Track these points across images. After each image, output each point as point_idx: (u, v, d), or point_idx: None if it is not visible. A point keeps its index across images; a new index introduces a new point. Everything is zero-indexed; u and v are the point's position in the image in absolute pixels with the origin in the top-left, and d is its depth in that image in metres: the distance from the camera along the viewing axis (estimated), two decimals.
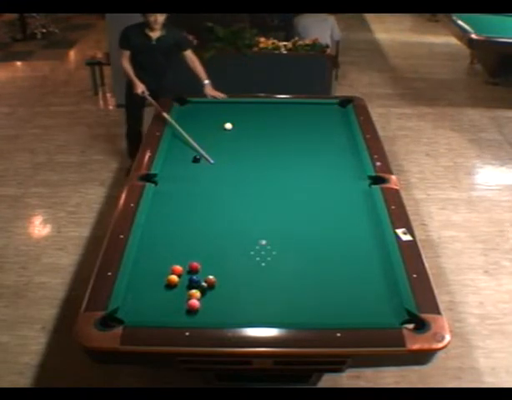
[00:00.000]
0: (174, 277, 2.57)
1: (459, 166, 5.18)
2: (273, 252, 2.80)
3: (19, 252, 4.00)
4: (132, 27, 4.33)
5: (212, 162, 3.59)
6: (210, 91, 4.44)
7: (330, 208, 3.19)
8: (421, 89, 6.85)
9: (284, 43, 5.90)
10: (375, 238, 2.90)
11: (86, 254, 3.94)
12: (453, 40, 7.46)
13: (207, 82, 4.43)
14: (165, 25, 4.26)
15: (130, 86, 4.43)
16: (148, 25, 4.24)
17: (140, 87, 4.33)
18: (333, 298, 2.52)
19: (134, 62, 4.39)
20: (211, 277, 2.56)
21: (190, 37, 4.83)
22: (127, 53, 4.34)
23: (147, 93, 4.35)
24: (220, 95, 4.44)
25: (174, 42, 4.39)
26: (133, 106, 4.62)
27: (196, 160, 3.63)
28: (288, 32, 6.44)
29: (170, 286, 2.56)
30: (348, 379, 2.98)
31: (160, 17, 4.16)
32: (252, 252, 2.79)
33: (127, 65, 4.35)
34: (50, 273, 3.79)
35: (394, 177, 3.40)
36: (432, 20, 9.51)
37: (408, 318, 2.38)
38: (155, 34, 4.29)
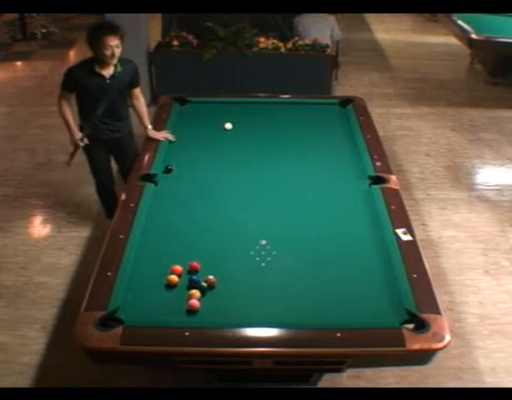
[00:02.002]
0: (174, 278, 2.57)
1: (459, 166, 5.18)
2: (273, 252, 2.80)
3: (19, 252, 4.00)
4: (79, 66, 3.59)
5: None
6: (153, 133, 3.85)
7: (330, 208, 3.19)
8: (421, 89, 6.85)
9: (284, 43, 5.91)
10: (375, 238, 2.90)
11: (86, 254, 3.94)
12: (453, 40, 7.47)
13: (150, 127, 3.88)
14: (119, 58, 3.54)
15: (89, 134, 3.70)
16: (100, 61, 3.49)
17: (77, 135, 3.64)
18: (333, 298, 2.52)
19: (84, 106, 3.68)
20: (211, 277, 2.57)
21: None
22: (68, 96, 3.64)
23: (83, 144, 3.66)
24: (167, 136, 3.85)
25: (130, 78, 3.69)
26: (96, 158, 3.88)
27: (168, 170, 3.46)
28: (288, 32, 6.45)
29: (170, 286, 2.56)
30: (348, 379, 2.98)
31: (117, 50, 3.44)
32: (252, 252, 2.79)
33: (66, 109, 3.64)
34: (50, 273, 3.79)
35: (394, 177, 3.41)
36: (432, 20, 9.51)
37: (408, 318, 2.38)
38: (108, 71, 3.55)
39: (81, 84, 3.55)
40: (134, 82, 3.76)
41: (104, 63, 3.50)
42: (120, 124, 3.79)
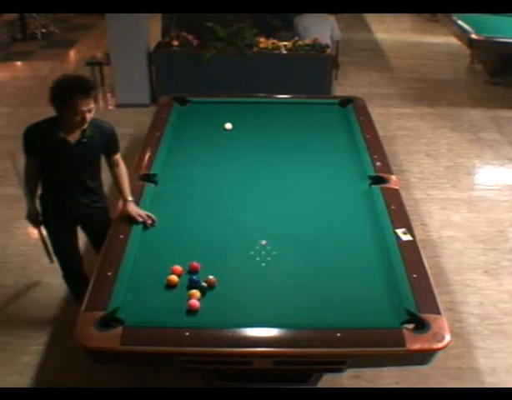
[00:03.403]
0: (174, 278, 2.57)
1: (459, 166, 5.18)
2: (273, 253, 2.80)
3: (19, 252, 3.99)
4: (39, 126, 2.91)
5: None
6: (134, 209, 3.02)
7: (330, 208, 3.19)
8: (421, 89, 6.85)
9: (284, 43, 5.92)
10: (375, 238, 2.90)
11: (86, 254, 3.93)
12: (453, 40, 7.48)
13: (130, 199, 3.06)
14: (91, 120, 2.84)
15: (48, 208, 3.09)
16: (65, 124, 2.83)
17: (32, 213, 3.09)
18: (333, 298, 2.52)
19: (45, 174, 2.99)
20: (211, 277, 2.57)
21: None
22: (33, 161, 2.95)
23: (39, 225, 3.15)
24: (146, 217, 3.01)
25: (103, 144, 2.97)
26: (59, 237, 3.16)
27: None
28: (289, 32, 6.46)
29: (170, 286, 2.56)
30: (348, 379, 2.98)
31: (89, 115, 2.78)
32: (252, 252, 2.79)
33: (28, 177, 3.02)
34: (50, 273, 3.77)
35: (394, 177, 3.41)
36: (432, 20, 9.51)
37: (408, 318, 2.38)
38: (74, 136, 2.85)
39: (40, 149, 2.88)
40: (111, 149, 3.04)
41: (73, 127, 2.83)
42: (88, 199, 3.07)
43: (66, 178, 2.97)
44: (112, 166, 3.10)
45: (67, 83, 2.76)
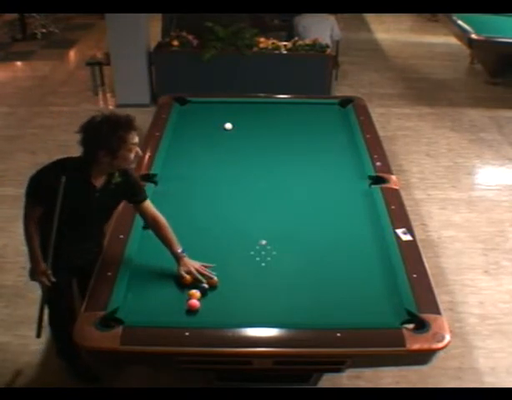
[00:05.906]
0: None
1: (459, 166, 5.18)
2: (273, 253, 2.79)
3: (19, 252, 3.97)
4: (66, 166, 2.52)
5: None
6: (190, 264, 2.60)
7: (330, 208, 3.19)
8: (421, 89, 6.85)
9: (284, 43, 5.92)
10: (375, 238, 2.90)
11: None
12: (453, 40, 7.48)
13: (181, 250, 2.65)
14: None
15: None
16: (100, 166, 2.49)
17: (42, 266, 2.56)
18: (333, 298, 2.52)
19: (52, 225, 2.47)
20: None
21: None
22: (38, 210, 2.53)
23: (49, 281, 2.58)
24: (205, 273, 2.59)
25: (127, 191, 2.65)
26: (61, 288, 2.71)
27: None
28: (289, 32, 6.46)
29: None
30: (348, 379, 2.98)
31: (137, 148, 2.52)
32: (252, 252, 2.79)
33: (33, 230, 2.56)
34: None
35: (394, 177, 3.41)
36: (432, 20, 9.52)
37: (408, 318, 2.38)
38: (100, 181, 2.54)
39: (66, 198, 2.43)
40: (138, 195, 2.69)
41: (102, 170, 2.52)
42: (90, 245, 2.76)
43: (80, 227, 2.60)
44: (147, 216, 2.71)
45: (116, 123, 2.44)
